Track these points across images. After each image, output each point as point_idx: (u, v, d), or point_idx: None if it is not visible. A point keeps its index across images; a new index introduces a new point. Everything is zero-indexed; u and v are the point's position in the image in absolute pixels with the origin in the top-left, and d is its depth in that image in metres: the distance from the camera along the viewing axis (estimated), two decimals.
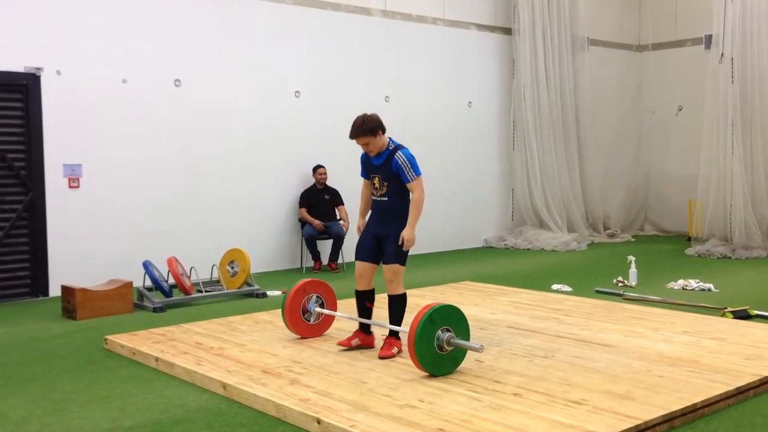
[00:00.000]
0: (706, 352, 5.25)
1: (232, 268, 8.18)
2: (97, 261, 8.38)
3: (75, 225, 8.34)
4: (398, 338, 5.33)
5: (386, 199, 5.27)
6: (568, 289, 8.23)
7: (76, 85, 8.33)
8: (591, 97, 13.15)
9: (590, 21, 13.23)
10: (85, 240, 8.40)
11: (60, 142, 8.23)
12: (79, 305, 7.03)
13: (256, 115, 9.72)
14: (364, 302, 5.43)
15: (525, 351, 5.35)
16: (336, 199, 9.96)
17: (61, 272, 8.14)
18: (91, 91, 8.44)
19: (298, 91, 10.08)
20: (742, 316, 6.64)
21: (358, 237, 5.56)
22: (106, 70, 8.52)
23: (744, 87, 11.17)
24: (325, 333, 5.90)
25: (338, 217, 9.95)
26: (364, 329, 5.50)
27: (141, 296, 7.64)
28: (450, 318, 4.79)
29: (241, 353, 5.41)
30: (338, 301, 6.05)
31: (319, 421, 3.98)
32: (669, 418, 3.99)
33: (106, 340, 6.00)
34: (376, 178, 5.30)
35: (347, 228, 9.78)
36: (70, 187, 8.34)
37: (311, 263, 9.95)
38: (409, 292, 7.18)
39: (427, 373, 4.74)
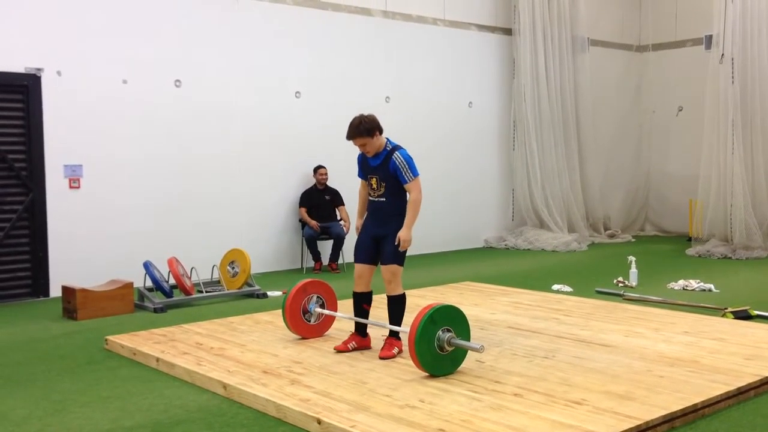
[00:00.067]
0: (707, 352, 5.25)
1: (233, 268, 8.18)
2: (97, 261, 8.39)
3: (76, 225, 8.35)
4: (398, 338, 5.33)
5: (384, 199, 5.27)
6: (568, 289, 8.23)
7: (76, 86, 8.34)
8: (591, 97, 13.15)
9: (591, 21, 13.24)
10: (86, 240, 8.41)
11: (60, 142, 8.23)
12: (80, 306, 7.03)
13: (257, 115, 9.72)
14: (362, 304, 5.42)
15: (525, 351, 5.35)
16: (336, 199, 9.96)
17: (62, 273, 8.14)
18: (92, 91, 8.44)
19: (298, 92, 10.09)
20: (743, 316, 6.64)
21: (355, 238, 5.56)
22: (107, 70, 8.53)
23: (744, 87, 11.17)
24: (325, 333, 5.90)
25: (339, 218, 9.95)
26: (360, 332, 5.49)
27: (141, 297, 7.64)
28: (450, 318, 4.80)
29: (242, 353, 5.42)
30: (339, 302, 6.05)
31: (319, 422, 3.98)
32: (669, 419, 3.99)
33: (106, 340, 6.01)
34: (374, 179, 5.29)
35: (348, 228, 9.78)
36: (71, 187, 8.34)
37: (312, 264, 9.95)
38: (410, 293, 7.20)
39: (427, 374, 4.74)
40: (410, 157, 5.24)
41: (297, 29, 10.06)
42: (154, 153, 8.89)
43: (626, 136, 14.26)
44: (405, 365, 4.97)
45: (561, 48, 12.67)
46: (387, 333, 5.39)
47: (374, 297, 5.52)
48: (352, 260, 6.05)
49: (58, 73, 8.21)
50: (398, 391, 4.45)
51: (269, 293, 8.17)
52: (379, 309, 5.88)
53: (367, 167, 5.35)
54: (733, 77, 11.13)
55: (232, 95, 9.50)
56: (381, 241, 5.28)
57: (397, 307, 5.28)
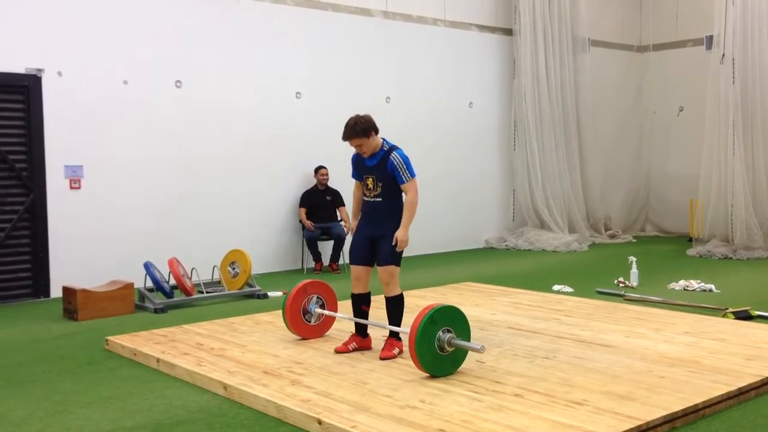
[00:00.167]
0: (708, 352, 5.25)
1: (233, 269, 8.18)
2: (98, 262, 8.39)
3: (76, 226, 8.35)
4: (399, 339, 5.33)
5: (380, 199, 5.26)
6: (569, 289, 8.23)
7: (77, 86, 8.34)
8: (592, 97, 13.15)
9: (591, 21, 13.24)
10: (87, 241, 8.41)
11: (61, 143, 8.23)
12: (81, 306, 7.04)
13: (257, 115, 9.73)
14: (361, 305, 5.42)
15: (526, 351, 5.34)
16: (337, 200, 9.95)
17: (63, 273, 8.15)
18: (92, 92, 8.44)
19: (299, 92, 10.09)
20: (744, 316, 6.63)
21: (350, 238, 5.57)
22: (107, 71, 8.53)
23: (745, 87, 11.17)
24: (326, 334, 5.90)
25: (339, 218, 9.95)
26: (360, 332, 5.48)
27: (142, 297, 7.64)
28: (451, 319, 4.79)
29: (242, 354, 5.41)
30: (339, 302, 6.05)
31: (320, 422, 3.98)
32: (670, 419, 3.99)
33: (107, 340, 6.01)
34: (370, 179, 5.27)
35: (348, 229, 9.78)
36: (72, 188, 8.34)
37: (312, 264, 9.95)
38: (410, 293, 7.20)
39: (427, 374, 4.73)
40: (407, 157, 5.23)
41: (297, 29, 10.06)
42: (155, 153, 8.89)
43: (627, 136, 14.26)
44: (405, 366, 4.97)
45: (561, 48, 12.67)
46: (387, 333, 5.39)
47: (373, 297, 5.52)
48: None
49: (59, 73, 8.22)
50: (399, 392, 4.45)
51: (270, 294, 8.17)
52: (379, 310, 5.88)
53: (362, 167, 5.33)
54: (733, 77, 11.13)
55: (232, 95, 9.50)
56: (377, 242, 5.26)
57: (396, 307, 5.28)
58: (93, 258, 8.40)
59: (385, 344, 5.32)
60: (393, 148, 5.26)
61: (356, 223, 5.51)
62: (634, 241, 13.14)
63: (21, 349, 6.01)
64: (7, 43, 7.92)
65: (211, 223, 9.33)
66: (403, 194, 5.24)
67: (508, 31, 12.52)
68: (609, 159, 13.80)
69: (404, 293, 5.39)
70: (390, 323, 5.32)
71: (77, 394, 4.76)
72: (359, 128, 5.14)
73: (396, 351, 5.25)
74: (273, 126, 9.87)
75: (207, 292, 7.92)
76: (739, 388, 4.44)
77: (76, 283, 7.38)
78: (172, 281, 7.85)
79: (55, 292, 8.09)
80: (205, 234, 9.24)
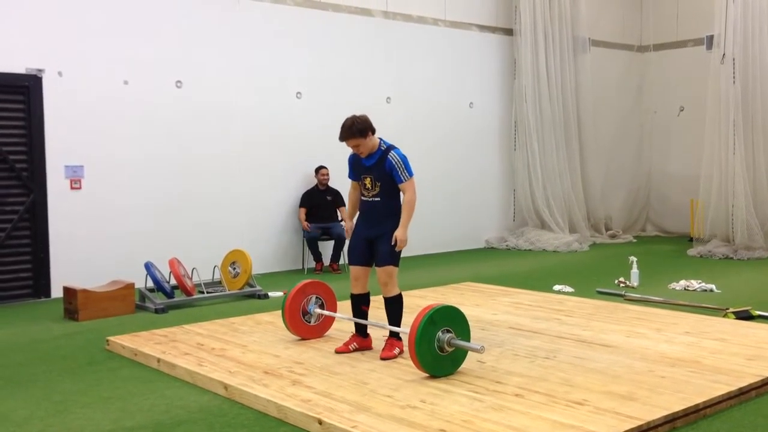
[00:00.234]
0: (708, 352, 5.25)
1: (234, 269, 8.18)
2: (98, 262, 8.39)
3: (77, 226, 8.35)
4: (399, 339, 5.32)
5: (378, 199, 5.25)
6: (569, 289, 8.23)
7: (77, 87, 8.34)
8: (592, 97, 13.15)
9: (592, 21, 13.23)
10: (87, 241, 8.41)
11: (62, 143, 8.23)
12: (81, 306, 7.04)
13: (257, 115, 9.73)
14: (360, 305, 5.42)
15: (526, 352, 5.34)
16: (338, 200, 9.95)
17: (63, 273, 8.15)
18: (93, 92, 8.44)
19: (299, 92, 10.09)
20: (744, 316, 6.63)
21: (347, 239, 5.58)
22: (108, 71, 8.53)
23: (745, 87, 11.16)
24: (326, 334, 5.90)
25: (340, 219, 9.95)
26: (361, 332, 5.49)
27: (143, 297, 7.64)
28: (450, 319, 4.79)
29: (243, 354, 5.41)
30: (339, 302, 6.04)
31: (320, 422, 3.98)
32: (671, 419, 3.99)
33: (107, 341, 6.01)
34: (368, 179, 5.27)
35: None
36: (72, 188, 8.35)
37: (313, 264, 9.95)
38: (410, 293, 7.20)
39: (428, 374, 4.73)
40: (405, 156, 5.24)
41: (297, 29, 10.06)
42: (155, 153, 8.89)
43: (627, 136, 14.26)
44: (406, 366, 4.97)
45: (562, 48, 12.67)
46: (388, 333, 5.39)
47: (372, 297, 5.52)
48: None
49: (59, 73, 8.22)
50: (399, 392, 4.45)
51: (270, 294, 8.17)
52: (380, 310, 5.87)
53: (360, 167, 5.33)
54: (734, 77, 11.12)
55: (232, 95, 9.50)
56: (376, 242, 5.26)
57: (395, 307, 5.28)
58: (93, 258, 8.40)
59: (385, 344, 5.32)
60: (391, 147, 5.26)
61: (351, 223, 5.52)
62: (635, 241, 13.13)
63: (21, 350, 6.01)
64: (7, 43, 7.92)
65: (211, 223, 9.33)
66: (401, 194, 5.24)
67: (509, 31, 12.52)
68: (609, 159, 13.80)
69: (405, 293, 5.39)
70: (390, 323, 5.32)
71: (78, 395, 4.76)
72: (356, 128, 5.14)
73: (396, 351, 5.25)
74: (273, 126, 9.87)
75: (208, 292, 7.92)
76: (740, 388, 4.44)
77: (77, 284, 7.39)
78: (173, 281, 7.85)
79: (56, 292, 8.09)
80: (205, 234, 9.24)
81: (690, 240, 12.14)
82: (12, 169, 8.01)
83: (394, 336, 5.33)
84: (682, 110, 13.81)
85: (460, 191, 11.96)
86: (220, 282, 8.25)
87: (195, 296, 7.75)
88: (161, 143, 8.94)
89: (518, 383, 4.57)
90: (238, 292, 8.07)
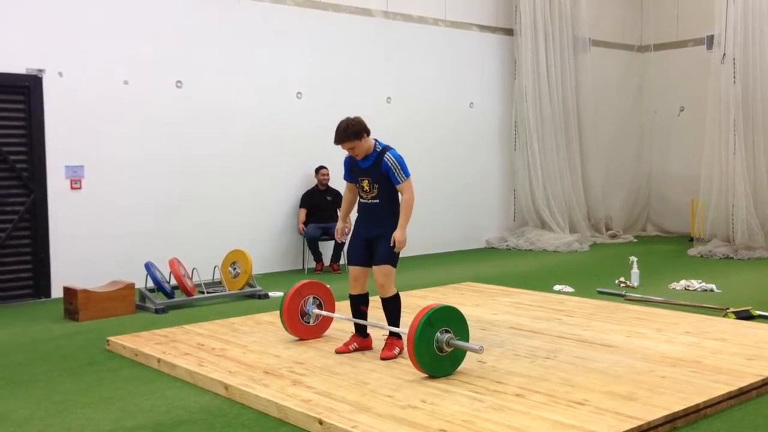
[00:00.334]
0: (709, 352, 5.25)
1: (234, 269, 8.18)
2: (99, 262, 8.39)
3: (77, 226, 8.35)
4: (399, 338, 5.32)
5: (377, 201, 5.25)
6: (570, 289, 8.22)
7: (77, 87, 8.34)
8: (593, 97, 13.15)
9: (592, 21, 13.23)
10: (87, 241, 8.41)
11: (62, 143, 8.23)
12: (81, 306, 7.04)
13: (257, 115, 9.73)
14: (359, 306, 5.42)
15: (527, 352, 5.34)
16: (338, 200, 9.93)
17: (63, 273, 8.14)
18: (93, 92, 8.44)
19: (299, 92, 10.09)
20: (745, 316, 6.63)
21: (336, 239, 5.64)
22: (107, 71, 8.53)
23: (746, 87, 11.16)
24: (326, 334, 5.90)
25: None
26: (360, 332, 5.48)
27: (143, 297, 7.64)
28: (449, 319, 4.79)
29: (243, 354, 5.41)
30: (337, 302, 6.04)
31: (321, 422, 3.98)
32: (671, 419, 3.98)
33: (108, 341, 6.01)
34: (365, 181, 5.27)
35: (349, 229, 9.75)
36: (72, 188, 8.35)
37: (313, 264, 9.95)
38: (410, 293, 7.19)
39: (427, 375, 4.73)
40: (401, 157, 5.24)
41: (297, 29, 10.06)
42: (155, 153, 8.89)
43: (628, 136, 14.26)
44: (406, 366, 4.96)
45: (562, 48, 12.67)
46: (387, 333, 5.39)
47: (371, 297, 5.51)
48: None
49: (60, 74, 8.22)
50: (400, 392, 4.45)
51: (271, 294, 8.17)
52: (380, 310, 5.86)
53: (356, 170, 5.33)
54: (734, 77, 11.12)
55: (232, 95, 9.50)
56: (375, 242, 5.26)
57: (393, 307, 5.28)
58: (94, 258, 8.40)
59: (385, 344, 5.32)
60: (386, 148, 5.25)
61: (343, 224, 5.55)
62: (635, 241, 13.13)
63: (22, 350, 6.01)
64: (7, 43, 7.92)
65: (211, 223, 9.33)
66: (399, 194, 5.24)
67: (509, 31, 12.52)
68: (610, 159, 13.80)
69: (405, 293, 5.40)
70: (389, 323, 5.32)
71: (78, 395, 4.76)
72: (351, 131, 5.14)
73: (397, 351, 5.25)
74: (273, 126, 9.87)
75: (208, 293, 7.92)
76: (740, 388, 4.44)
77: (77, 284, 7.39)
78: (173, 281, 7.85)
79: (56, 292, 8.09)
80: (205, 234, 9.24)
81: (690, 240, 12.14)
82: (12, 169, 8.01)
83: (394, 335, 5.33)
84: (682, 110, 13.81)
85: (460, 191, 11.95)
86: (220, 282, 8.25)
87: (195, 296, 7.75)
88: (161, 143, 8.94)
89: (519, 383, 4.57)
90: (238, 292, 8.07)
